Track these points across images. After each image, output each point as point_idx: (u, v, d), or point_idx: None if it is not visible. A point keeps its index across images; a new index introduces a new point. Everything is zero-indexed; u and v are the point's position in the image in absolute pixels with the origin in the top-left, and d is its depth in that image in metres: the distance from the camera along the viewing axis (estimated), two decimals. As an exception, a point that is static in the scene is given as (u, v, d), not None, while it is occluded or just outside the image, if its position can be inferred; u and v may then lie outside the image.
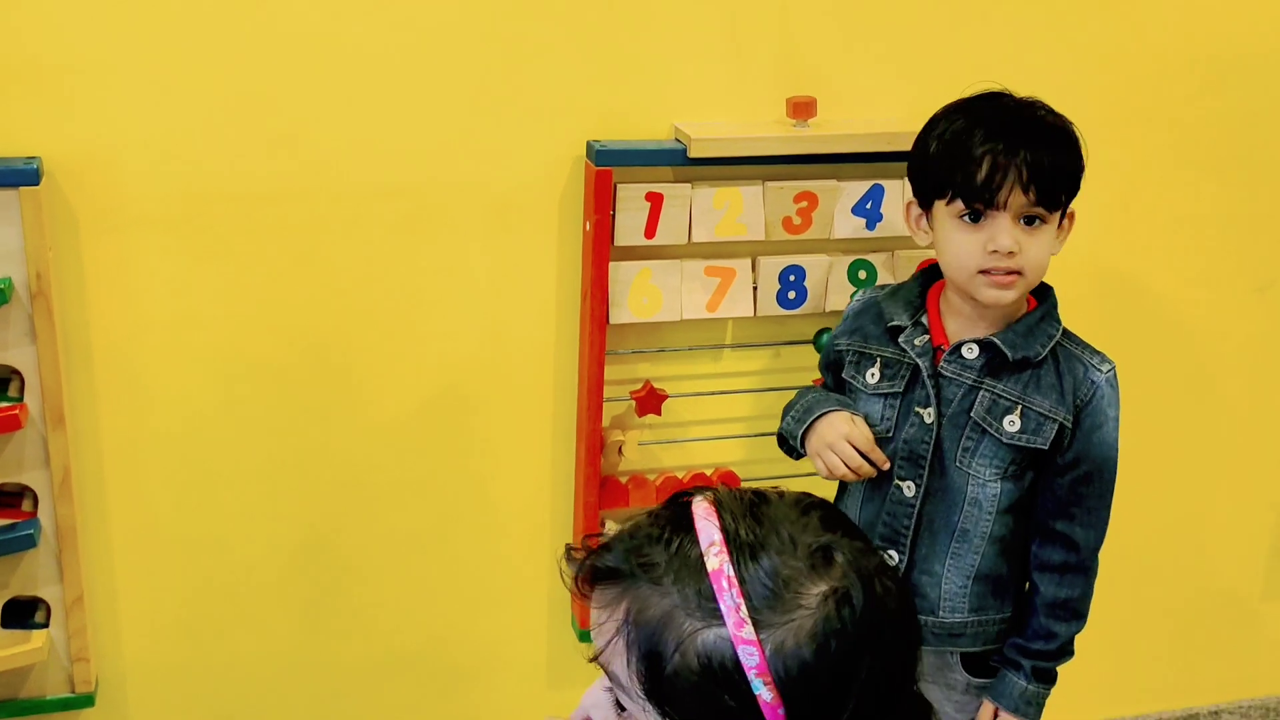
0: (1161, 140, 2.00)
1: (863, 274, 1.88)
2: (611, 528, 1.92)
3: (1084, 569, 1.64)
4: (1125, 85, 1.95)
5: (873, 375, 1.63)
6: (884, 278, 1.88)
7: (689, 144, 1.73)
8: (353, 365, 1.80)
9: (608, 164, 1.73)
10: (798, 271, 1.85)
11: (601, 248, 1.76)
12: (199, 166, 1.67)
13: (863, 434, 1.61)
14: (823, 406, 1.65)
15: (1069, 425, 1.57)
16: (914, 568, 1.65)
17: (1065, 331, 1.61)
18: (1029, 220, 1.53)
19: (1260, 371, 2.18)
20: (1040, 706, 1.67)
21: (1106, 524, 1.64)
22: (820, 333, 1.91)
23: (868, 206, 1.84)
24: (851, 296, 1.86)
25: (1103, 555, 1.66)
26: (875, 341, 1.64)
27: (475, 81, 1.71)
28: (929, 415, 1.59)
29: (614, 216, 1.76)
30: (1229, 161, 2.04)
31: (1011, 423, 1.57)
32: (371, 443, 1.84)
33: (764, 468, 1.98)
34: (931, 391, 1.59)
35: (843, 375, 1.68)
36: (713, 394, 1.92)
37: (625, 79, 1.76)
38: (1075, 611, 1.65)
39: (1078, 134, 1.56)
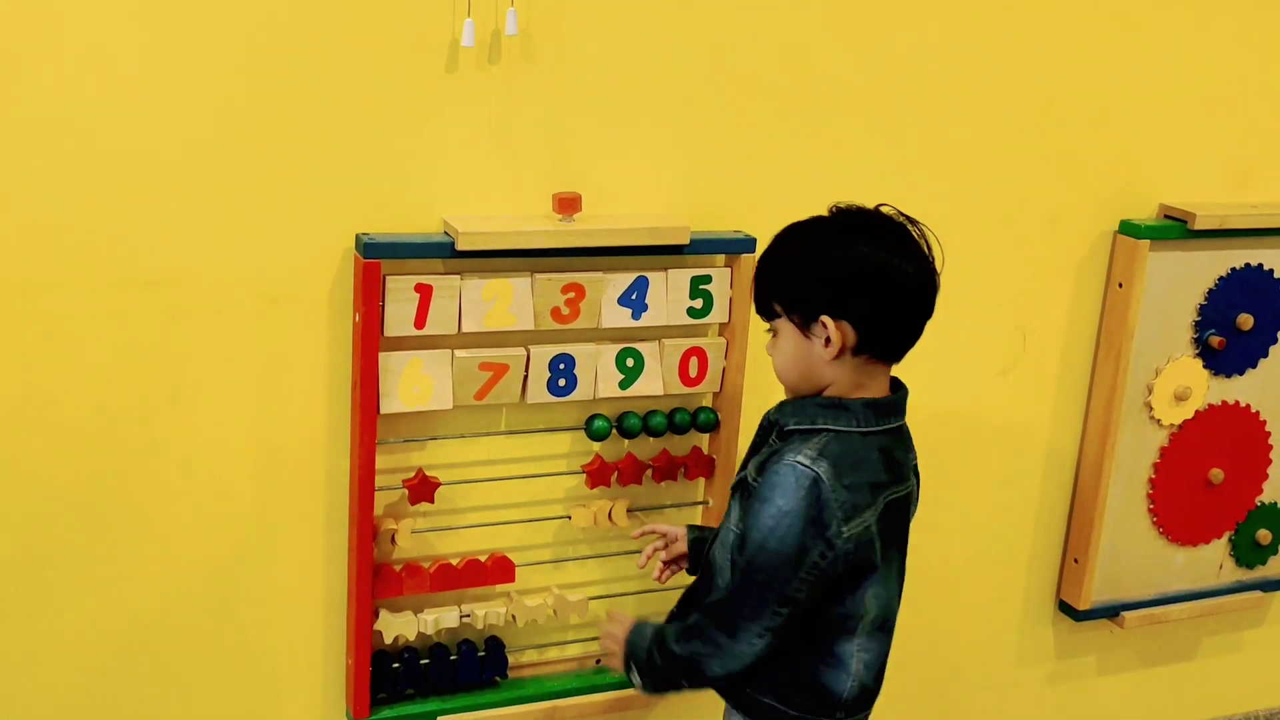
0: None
1: (630, 362, 1.93)
2: (386, 617, 1.92)
3: (702, 622, 1.62)
4: (886, 184, 2.07)
5: None
6: (651, 367, 1.95)
7: (457, 237, 1.77)
8: (116, 460, 1.76)
9: (376, 256, 1.75)
10: (567, 360, 1.90)
11: (371, 338, 1.77)
12: (-53, 257, 1.63)
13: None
14: None
15: (751, 484, 1.60)
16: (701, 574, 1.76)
17: (839, 433, 1.58)
18: (772, 330, 1.64)
19: (1005, 439, 2.32)
20: (644, 664, 1.67)
21: (736, 612, 1.58)
22: (591, 418, 1.95)
23: (633, 297, 1.90)
24: (620, 385, 1.93)
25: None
26: None
27: (243, 172, 1.71)
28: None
29: (383, 308, 1.77)
30: (976, 264, 2.18)
31: (747, 466, 1.66)
32: (137, 538, 1.80)
33: (538, 553, 2.01)
34: (759, 436, 1.69)
35: None
36: (486, 480, 1.95)
37: (394, 172, 1.78)
38: (689, 642, 1.62)
39: (816, 244, 1.58)
